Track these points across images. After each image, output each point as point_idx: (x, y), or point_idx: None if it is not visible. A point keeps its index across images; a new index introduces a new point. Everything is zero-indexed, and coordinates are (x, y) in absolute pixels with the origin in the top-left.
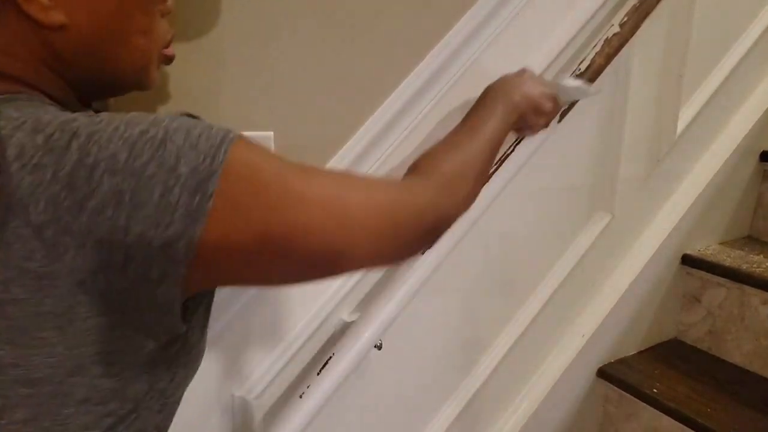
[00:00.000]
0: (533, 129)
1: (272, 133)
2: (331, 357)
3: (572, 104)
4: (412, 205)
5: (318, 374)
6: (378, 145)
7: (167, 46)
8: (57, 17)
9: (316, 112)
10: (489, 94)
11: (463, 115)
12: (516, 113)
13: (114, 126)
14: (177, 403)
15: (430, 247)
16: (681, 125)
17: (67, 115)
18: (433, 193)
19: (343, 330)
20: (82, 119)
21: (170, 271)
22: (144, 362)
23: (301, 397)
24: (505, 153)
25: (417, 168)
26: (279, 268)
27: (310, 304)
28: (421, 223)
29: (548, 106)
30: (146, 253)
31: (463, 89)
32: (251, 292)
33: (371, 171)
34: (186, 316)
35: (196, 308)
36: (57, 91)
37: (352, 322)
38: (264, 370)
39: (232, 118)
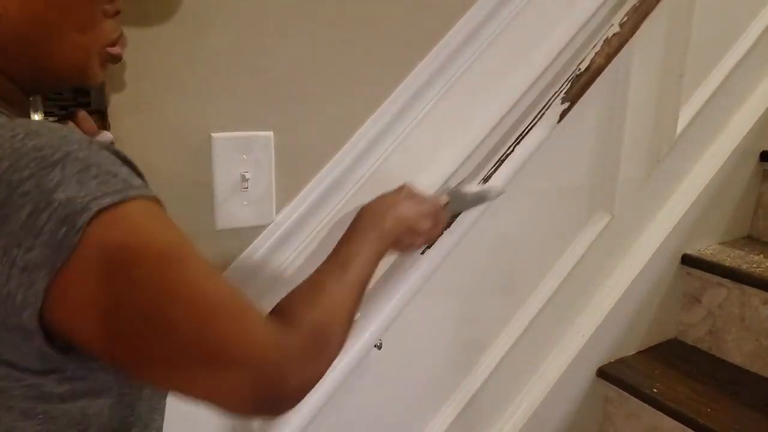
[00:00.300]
0: (413, 247)
1: (272, 133)
2: None
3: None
4: (284, 358)
5: None
6: (378, 145)
7: (113, 44)
8: None
9: (316, 112)
10: (360, 222)
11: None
12: (390, 239)
13: (14, 133)
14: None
15: (278, 416)
16: (681, 125)
17: None
18: (305, 353)
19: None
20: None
21: (31, 300)
22: (26, 395)
23: None
24: (504, 153)
25: (287, 315)
26: (130, 355)
27: None
28: (288, 379)
29: (425, 225)
30: (10, 271)
31: (462, 89)
32: (251, 291)
33: (372, 170)
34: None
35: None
36: None
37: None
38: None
39: (232, 118)
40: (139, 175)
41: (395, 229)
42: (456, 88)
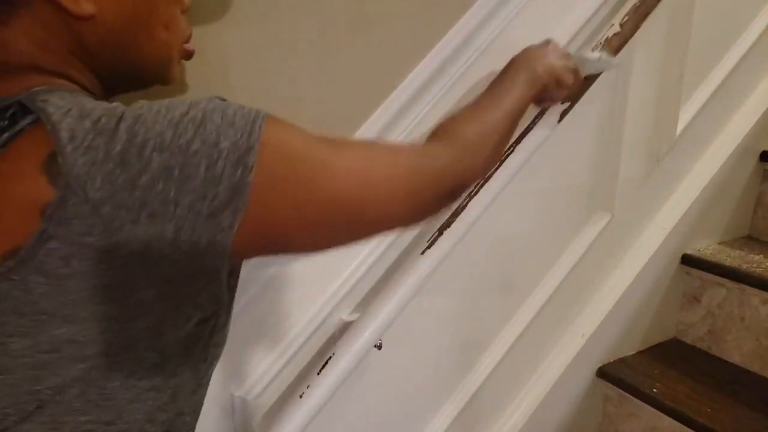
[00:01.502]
0: (554, 101)
1: None
2: (331, 357)
3: (593, 78)
4: (432, 170)
5: (318, 374)
6: None
7: (187, 41)
8: (87, 7)
9: (316, 111)
10: (513, 66)
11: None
12: (538, 85)
13: (156, 110)
14: (206, 387)
15: (448, 207)
16: (681, 125)
17: (108, 104)
18: (452, 157)
19: (343, 330)
20: (123, 106)
21: (218, 240)
22: (185, 337)
23: (301, 397)
24: (505, 153)
25: (439, 131)
26: (318, 234)
27: (310, 303)
28: (441, 187)
29: (569, 78)
30: (196, 224)
31: (462, 90)
32: (251, 292)
33: None
34: (229, 285)
35: (232, 284)
36: (86, 82)
37: (352, 322)
38: (264, 370)
39: None
40: None
41: (544, 76)
42: (456, 89)
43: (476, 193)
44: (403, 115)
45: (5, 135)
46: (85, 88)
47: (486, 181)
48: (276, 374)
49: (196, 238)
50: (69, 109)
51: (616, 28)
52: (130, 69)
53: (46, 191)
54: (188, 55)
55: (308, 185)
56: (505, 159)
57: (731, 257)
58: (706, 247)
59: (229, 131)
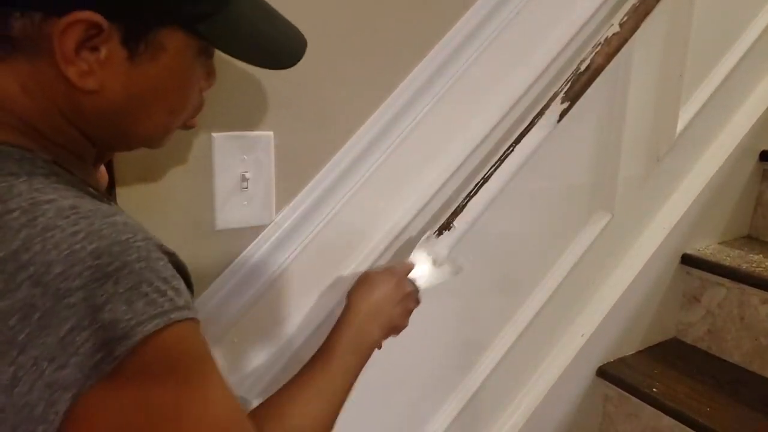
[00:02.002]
0: (398, 331)
1: (272, 133)
2: None
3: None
4: None
5: None
6: (378, 145)
7: (194, 116)
8: (91, 84)
9: (316, 112)
10: (349, 329)
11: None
12: (375, 344)
13: (76, 230)
14: None
15: None
16: (681, 124)
17: (46, 196)
18: None
19: None
20: (54, 205)
21: (50, 418)
22: None
23: None
24: (504, 153)
25: (270, 425)
26: None
27: (310, 303)
28: None
29: (405, 323)
30: (34, 385)
31: (462, 90)
32: (251, 291)
33: (372, 170)
34: None
35: None
36: (64, 136)
37: None
38: (264, 370)
39: (232, 118)
40: (188, 282)
41: (379, 334)
42: (456, 89)
43: (476, 193)
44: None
45: None
46: (59, 144)
47: (486, 181)
48: (276, 374)
49: (33, 401)
50: None
51: (616, 28)
52: (119, 139)
53: None
54: (187, 128)
55: (157, 414)
56: (505, 159)
57: (731, 257)
58: (706, 247)
59: (120, 307)
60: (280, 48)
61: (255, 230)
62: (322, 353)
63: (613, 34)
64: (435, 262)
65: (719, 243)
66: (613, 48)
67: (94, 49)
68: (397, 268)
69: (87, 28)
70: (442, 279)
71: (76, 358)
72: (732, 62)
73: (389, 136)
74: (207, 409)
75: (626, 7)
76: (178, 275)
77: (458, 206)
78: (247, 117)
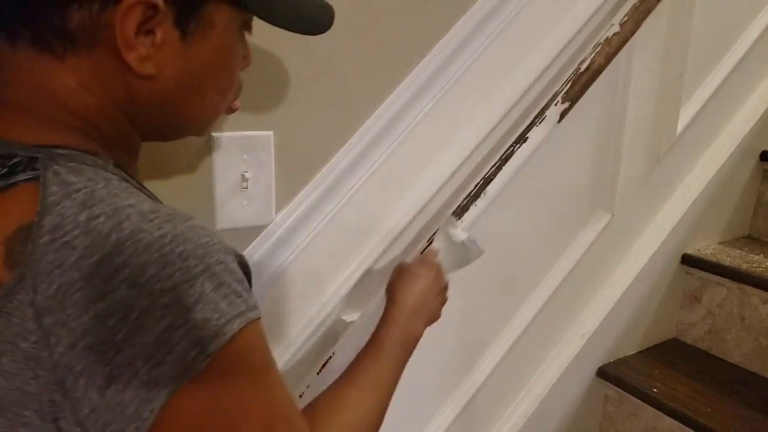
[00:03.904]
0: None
1: (272, 133)
2: (331, 356)
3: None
4: None
5: (318, 374)
6: (378, 145)
7: (236, 97)
8: (150, 68)
9: (316, 112)
10: (395, 327)
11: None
12: (420, 338)
13: (162, 233)
14: None
15: None
16: (681, 124)
17: (125, 201)
18: None
19: (343, 329)
20: (138, 209)
21: (144, 415)
22: None
23: (301, 397)
24: (504, 153)
25: (326, 419)
26: None
27: (310, 303)
28: None
29: (440, 314)
30: (129, 382)
31: (462, 89)
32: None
33: (372, 170)
34: None
35: None
36: (119, 131)
37: (352, 322)
38: None
39: (232, 118)
40: (250, 281)
41: (422, 328)
42: (456, 89)
43: (476, 194)
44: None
45: None
46: (114, 140)
47: (486, 181)
48: None
49: (125, 400)
50: (77, 190)
51: (616, 28)
52: (172, 125)
53: None
54: (231, 111)
55: (237, 401)
56: (505, 159)
57: (731, 257)
58: (706, 247)
59: (209, 306)
60: (315, 14)
61: (255, 230)
62: (371, 349)
63: (614, 34)
64: (456, 247)
65: (719, 243)
66: (613, 48)
67: (150, 32)
68: (432, 259)
69: (145, 9)
70: (465, 263)
71: (172, 356)
72: (732, 62)
73: (389, 136)
74: (272, 405)
75: (626, 7)
76: (246, 277)
77: (458, 206)
78: (247, 117)
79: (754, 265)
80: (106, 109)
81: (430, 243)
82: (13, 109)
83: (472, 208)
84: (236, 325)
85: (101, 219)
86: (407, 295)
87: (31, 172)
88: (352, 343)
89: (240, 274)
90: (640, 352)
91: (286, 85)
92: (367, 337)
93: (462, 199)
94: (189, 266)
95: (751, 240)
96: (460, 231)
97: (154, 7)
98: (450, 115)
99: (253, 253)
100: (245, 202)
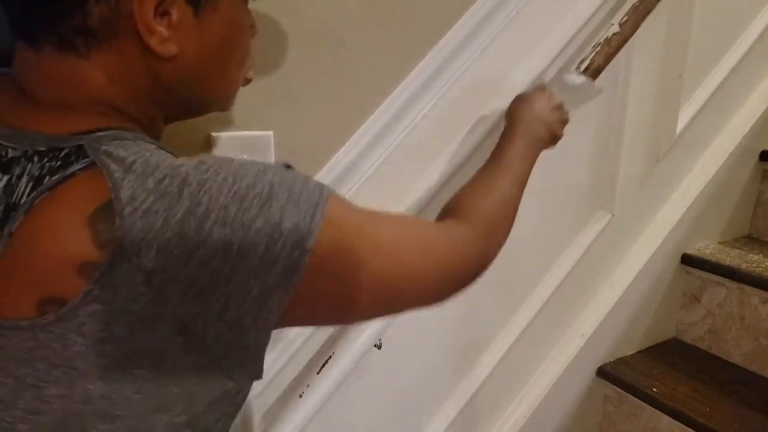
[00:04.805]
0: (555, 142)
1: (272, 133)
2: (330, 356)
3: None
4: (462, 257)
5: (318, 374)
6: (377, 146)
7: (249, 68)
8: (172, 49)
9: (316, 111)
10: (515, 128)
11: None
12: (541, 145)
13: (222, 177)
14: None
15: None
16: (681, 124)
17: (173, 159)
18: (479, 242)
19: (343, 329)
20: (188, 164)
21: (264, 317)
22: (217, 398)
23: (300, 396)
24: None
25: (460, 209)
26: (355, 313)
27: None
28: (467, 272)
29: (562, 131)
30: (244, 301)
31: (462, 89)
32: None
33: (372, 170)
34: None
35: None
36: (146, 119)
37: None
38: (264, 370)
39: (232, 118)
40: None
41: (546, 136)
42: (456, 89)
43: None
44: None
45: (54, 177)
46: (143, 125)
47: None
48: (276, 373)
49: (242, 315)
50: (133, 162)
51: (616, 28)
52: (197, 103)
53: (87, 248)
54: (247, 82)
55: (355, 268)
56: None
57: (731, 257)
58: (706, 247)
59: (293, 211)
60: None
61: None
62: (495, 158)
63: (613, 34)
64: (573, 89)
65: (719, 243)
66: (613, 48)
67: (165, 14)
68: (545, 85)
69: None
70: (586, 101)
71: (278, 265)
72: (732, 62)
73: (389, 136)
74: (394, 235)
75: (626, 7)
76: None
77: None
78: (247, 117)
79: (753, 265)
80: (134, 97)
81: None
82: (45, 106)
83: None
84: (320, 215)
85: (166, 181)
86: (523, 111)
87: (84, 160)
88: None
89: (294, 170)
90: (639, 351)
91: (286, 85)
92: None
93: None
94: (259, 192)
95: (751, 240)
96: (576, 76)
97: None
98: (449, 114)
99: None
100: None
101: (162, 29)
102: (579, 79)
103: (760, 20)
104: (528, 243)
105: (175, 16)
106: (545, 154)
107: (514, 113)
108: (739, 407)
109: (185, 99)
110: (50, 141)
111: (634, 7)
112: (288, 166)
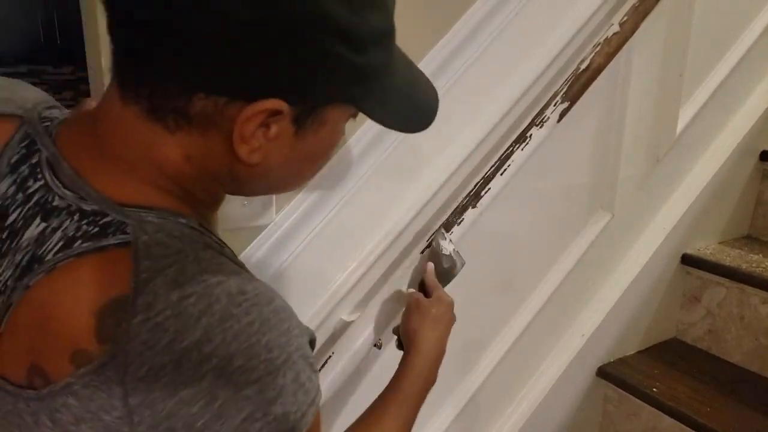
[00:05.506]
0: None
1: None
2: (330, 356)
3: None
4: None
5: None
6: (377, 144)
7: None
8: (257, 158)
9: None
10: (417, 377)
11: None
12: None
13: (248, 321)
14: None
15: None
16: (681, 124)
17: (215, 277)
18: None
19: (343, 329)
20: (224, 290)
21: None
22: None
23: None
24: (504, 152)
25: None
26: None
27: (310, 303)
28: None
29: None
30: None
31: (461, 89)
32: None
33: (372, 169)
34: None
35: None
36: (210, 195)
37: (352, 322)
38: None
39: None
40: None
41: (437, 368)
42: (455, 89)
43: (476, 193)
44: None
45: (85, 245)
46: (205, 202)
47: (486, 181)
48: None
49: None
50: (168, 266)
51: (616, 28)
52: (263, 192)
53: (88, 337)
54: None
55: None
56: (505, 159)
57: (731, 257)
58: (706, 247)
59: (289, 399)
60: (421, 114)
61: (255, 230)
62: (391, 395)
63: (614, 34)
64: (446, 260)
65: (719, 243)
66: (613, 48)
67: (265, 126)
68: (446, 298)
69: (270, 114)
70: (453, 277)
71: None
72: (732, 62)
73: (389, 135)
74: None
75: (626, 7)
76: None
77: (459, 205)
78: None
79: (753, 265)
80: (203, 178)
81: (429, 245)
82: (115, 163)
83: (470, 208)
84: (310, 417)
85: (192, 300)
86: (428, 341)
87: (122, 236)
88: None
89: (311, 354)
90: (640, 351)
91: None
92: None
93: (461, 199)
94: (272, 358)
95: (751, 240)
96: (448, 243)
97: (279, 111)
98: (449, 115)
99: (252, 253)
100: (245, 202)
101: (255, 141)
102: (451, 247)
103: (760, 20)
104: (528, 243)
105: (274, 130)
106: (546, 156)
107: (421, 345)
108: (739, 407)
109: (251, 190)
110: (99, 202)
111: (634, 7)
112: (312, 340)
